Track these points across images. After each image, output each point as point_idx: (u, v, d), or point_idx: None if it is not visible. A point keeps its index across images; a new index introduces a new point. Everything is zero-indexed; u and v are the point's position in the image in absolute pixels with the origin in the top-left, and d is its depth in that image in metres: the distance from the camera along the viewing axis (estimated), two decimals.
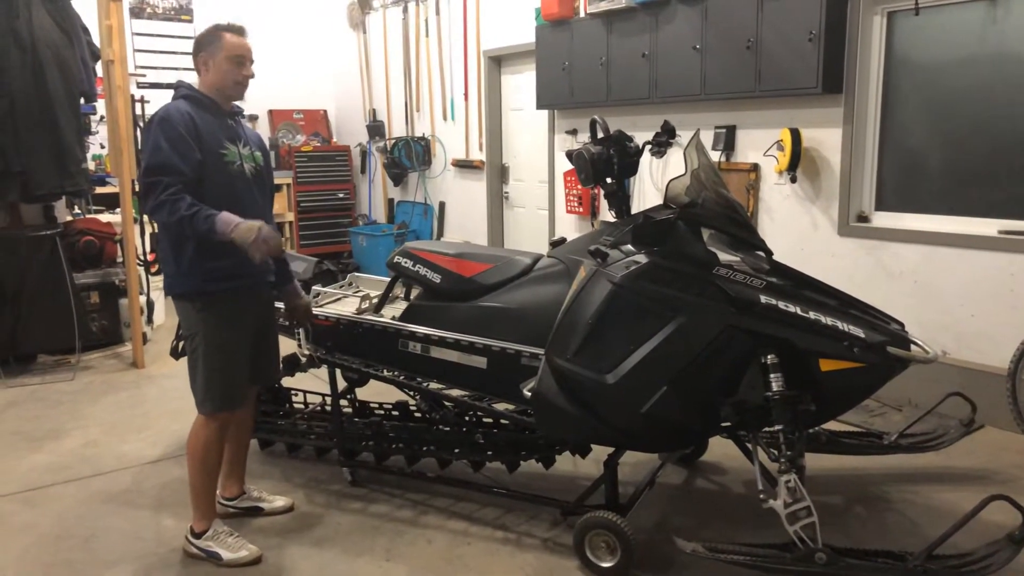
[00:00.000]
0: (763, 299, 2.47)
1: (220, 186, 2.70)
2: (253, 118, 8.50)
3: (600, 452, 3.08)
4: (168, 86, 7.85)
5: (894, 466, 3.32)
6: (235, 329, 2.77)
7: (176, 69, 7.95)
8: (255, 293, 2.86)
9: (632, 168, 2.79)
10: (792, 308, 2.47)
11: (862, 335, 2.46)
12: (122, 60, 5.05)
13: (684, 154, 2.71)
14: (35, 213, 5.24)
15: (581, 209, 5.80)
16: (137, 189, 2.72)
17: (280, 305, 3.12)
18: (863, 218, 4.24)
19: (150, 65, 7.75)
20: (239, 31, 2.81)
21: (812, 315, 2.47)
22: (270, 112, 8.60)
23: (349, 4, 8.32)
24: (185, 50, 7.96)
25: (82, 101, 5.12)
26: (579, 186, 5.76)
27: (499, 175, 6.91)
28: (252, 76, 2.84)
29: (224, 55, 2.75)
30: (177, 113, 2.67)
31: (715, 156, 4.66)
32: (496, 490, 3.08)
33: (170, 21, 7.92)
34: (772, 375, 2.44)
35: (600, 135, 2.84)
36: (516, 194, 6.83)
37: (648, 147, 2.81)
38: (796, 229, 4.45)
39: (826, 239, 4.33)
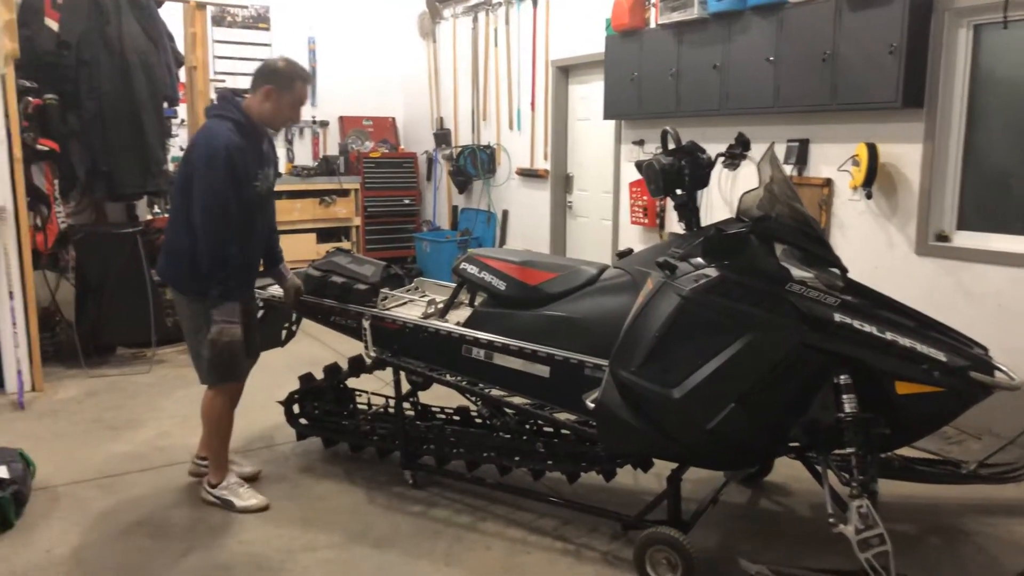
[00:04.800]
0: (838, 317, 2.41)
1: (245, 207, 3.00)
2: (324, 124, 8.72)
3: (662, 466, 3.05)
4: (246, 92, 8.16)
5: (971, 497, 3.18)
6: (237, 318, 3.04)
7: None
8: (248, 284, 3.25)
9: (704, 180, 2.75)
10: (868, 328, 2.40)
11: (943, 358, 2.37)
12: (204, 66, 5.24)
13: (758, 167, 2.67)
14: (119, 211, 5.48)
15: (646, 220, 5.75)
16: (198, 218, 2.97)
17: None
18: (943, 237, 4.09)
19: (229, 71, 8.02)
20: (308, 79, 3.15)
21: (889, 335, 2.40)
22: (340, 118, 8.79)
23: (420, 14, 8.45)
24: (263, 57, 8.25)
25: (165, 105, 5.34)
26: (645, 197, 5.72)
27: (563, 185, 6.91)
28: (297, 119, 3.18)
29: (290, 100, 3.04)
30: (237, 151, 2.91)
31: (787, 170, 4.56)
32: (556, 500, 3.07)
33: (248, 29, 8.18)
34: (845, 396, 2.37)
35: (671, 146, 2.81)
36: (579, 204, 6.82)
37: (721, 159, 2.77)
38: (870, 247, 4.32)
39: (902, 258, 4.19)
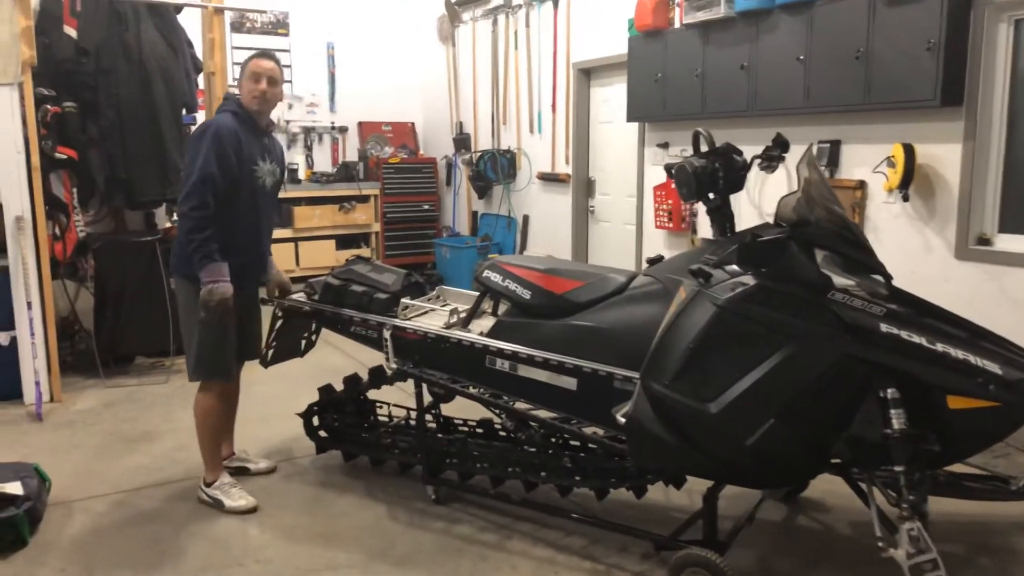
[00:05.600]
0: (884, 327, 2.27)
1: (246, 196, 3.15)
2: (343, 130, 8.68)
3: (694, 482, 2.92)
4: None
5: (1021, 514, 3.02)
6: (226, 276, 3.06)
7: None
8: (244, 276, 3.22)
9: (739, 183, 2.63)
10: (917, 339, 2.27)
11: (999, 371, 2.23)
12: (222, 72, 5.19)
13: (796, 169, 2.54)
14: (138, 220, 5.45)
15: (671, 224, 5.62)
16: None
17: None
18: (984, 240, 3.92)
19: None
20: (263, 54, 3.24)
21: (940, 347, 2.26)
22: (360, 124, 8.75)
23: (439, 17, 8.39)
24: (282, 63, 8.21)
25: (184, 112, 5.29)
26: (670, 201, 5.59)
27: (585, 189, 6.79)
28: (266, 91, 3.17)
29: (246, 75, 3.18)
30: (227, 130, 3.08)
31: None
32: (584, 518, 2.95)
33: (268, 35, 8.15)
34: (893, 411, 2.24)
35: (704, 148, 2.70)
36: (602, 208, 6.70)
37: (757, 162, 2.65)
38: (907, 251, 4.16)
39: (941, 262, 4.03)
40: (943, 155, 3.98)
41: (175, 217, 5.85)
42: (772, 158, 2.60)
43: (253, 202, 3.20)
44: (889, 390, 2.25)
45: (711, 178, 2.59)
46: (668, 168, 2.85)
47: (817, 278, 2.36)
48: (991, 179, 3.89)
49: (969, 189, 3.89)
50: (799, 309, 2.31)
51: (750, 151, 2.75)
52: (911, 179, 3.99)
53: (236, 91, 3.26)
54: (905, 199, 4.06)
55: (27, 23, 4.29)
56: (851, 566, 2.73)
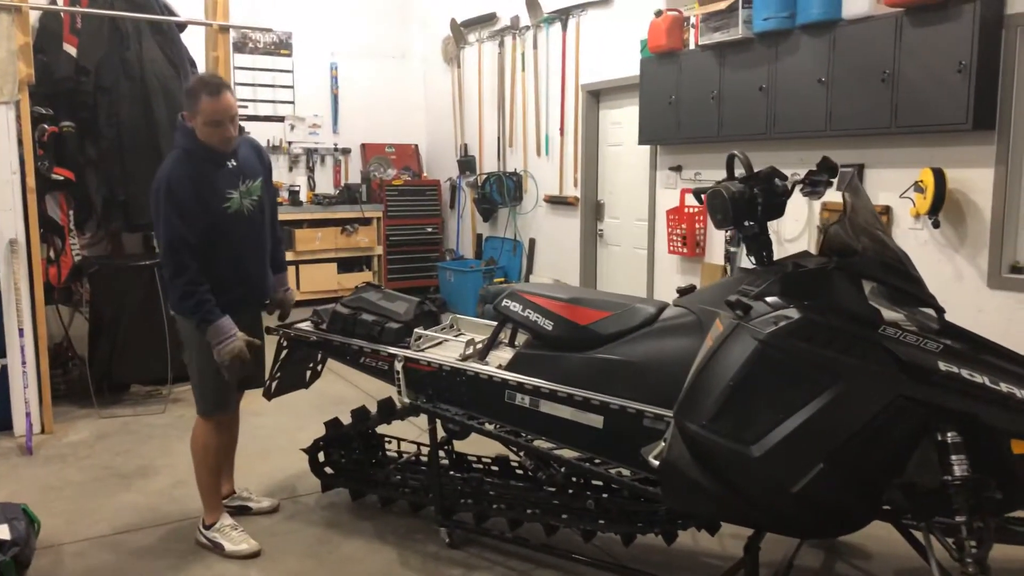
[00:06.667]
0: (943, 366, 2.11)
1: (227, 232, 2.93)
2: (346, 151, 8.55)
3: (727, 527, 2.75)
4: (267, 118, 8.03)
5: None
6: (231, 332, 2.93)
7: (274, 102, 8.07)
8: (244, 308, 3.08)
9: (779, 210, 2.47)
10: (979, 378, 2.10)
11: None
12: None
13: (843, 195, 2.39)
14: (135, 243, 5.29)
15: (685, 250, 5.47)
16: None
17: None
18: (1018, 269, 3.78)
19: (250, 99, 7.88)
20: (215, 90, 2.83)
21: (1004, 387, 2.10)
22: (363, 146, 8.62)
23: (444, 39, 8.30)
24: (284, 83, 8.11)
25: None
26: (683, 225, 5.45)
27: (594, 212, 6.65)
28: (233, 136, 2.90)
29: (202, 120, 2.83)
30: (180, 184, 2.82)
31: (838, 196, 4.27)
32: (611, 565, 2.76)
33: (270, 55, 8.05)
34: (954, 456, 2.07)
35: (738, 172, 2.54)
36: (611, 232, 6.55)
37: (799, 187, 2.50)
38: (936, 280, 3.97)
39: (973, 292, 3.88)
40: (974, 180, 3.84)
41: None
42: (817, 183, 2.44)
43: (237, 234, 2.98)
44: (949, 434, 2.09)
45: (749, 204, 2.43)
46: (698, 193, 2.69)
47: (866, 311, 2.20)
48: None
49: (1002, 215, 3.75)
50: (849, 345, 2.15)
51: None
52: (941, 205, 3.85)
53: (187, 121, 2.89)
54: (936, 226, 3.91)
55: (25, 40, 4.15)
56: None
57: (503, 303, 2.94)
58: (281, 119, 8.15)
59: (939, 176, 3.83)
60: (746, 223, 2.50)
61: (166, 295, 4.98)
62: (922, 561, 2.35)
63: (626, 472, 2.64)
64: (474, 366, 2.91)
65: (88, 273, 4.83)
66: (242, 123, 3.18)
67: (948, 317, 2.30)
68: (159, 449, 4.09)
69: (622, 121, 6.20)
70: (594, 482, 2.85)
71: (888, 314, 2.25)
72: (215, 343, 2.86)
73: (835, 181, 2.44)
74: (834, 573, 2.86)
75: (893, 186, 4.14)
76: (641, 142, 5.69)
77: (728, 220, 2.48)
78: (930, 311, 2.33)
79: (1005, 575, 2.75)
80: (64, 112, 4.62)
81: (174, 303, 2.97)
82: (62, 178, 4.54)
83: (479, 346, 3.06)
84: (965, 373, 2.10)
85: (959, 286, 3.93)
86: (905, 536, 2.46)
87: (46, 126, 4.44)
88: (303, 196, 8.09)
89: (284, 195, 7.85)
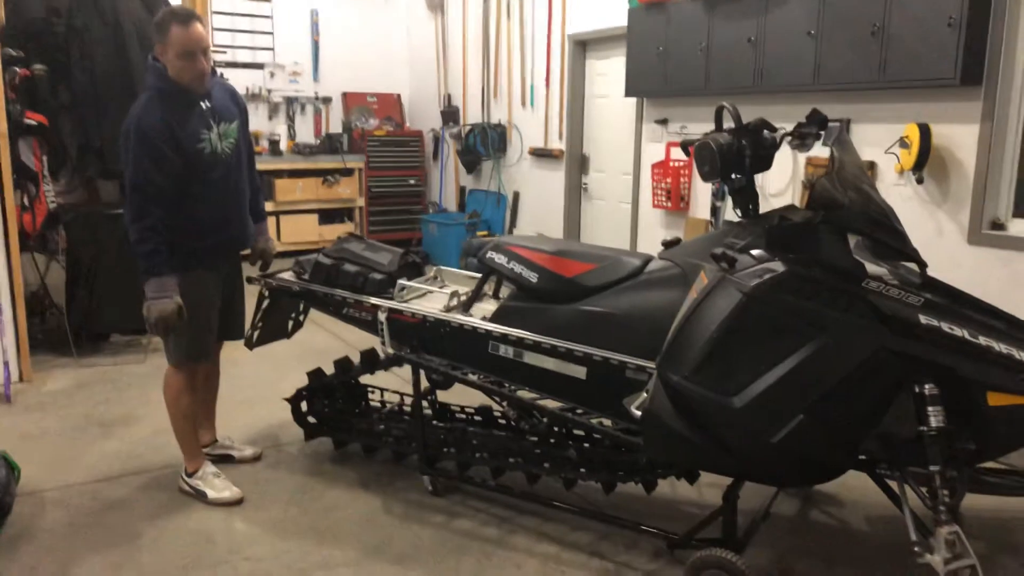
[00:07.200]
0: (924, 319, 2.13)
1: (201, 175, 2.85)
2: (327, 100, 8.39)
3: (705, 475, 2.80)
4: (246, 65, 7.84)
5: None
6: (206, 287, 2.95)
7: (253, 49, 7.87)
8: (225, 254, 3.05)
9: (766, 162, 2.46)
10: (959, 331, 2.13)
11: None
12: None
13: (831, 149, 2.38)
14: (112, 190, 5.18)
15: (669, 204, 5.45)
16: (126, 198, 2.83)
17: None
18: (998, 225, 3.80)
19: (228, 44, 7.68)
20: (185, 19, 2.74)
21: (983, 340, 2.13)
22: (344, 95, 8.46)
23: None
24: (263, 29, 7.90)
25: None
26: (668, 179, 5.43)
27: (579, 165, 6.60)
28: (206, 69, 2.80)
29: (173, 52, 2.74)
30: (151, 125, 2.72)
31: (824, 151, 4.27)
32: (593, 513, 2.81)
33: (249, 0, 7.82)
34: (931, 408, 2.11)
35: (727, 125, 2.52)
36: (596, 186, 6.52)
37: (788, 140, 2.48)
38: (918, 235, 3.94)
39: (953, 247, 3.91)
40: (959, 136, 3.84)
41: None
42: (805, 135, 2.43)
43: (214, 177, 2.89)
44: (927, 386, 2.12)
45: (737, 157, 2.41)
46: (686, 145, 2.67)
47: (851, 265, 2.21)
48: (1007, 162, 3.76)
49: (985, 172, 3.76)
50: (833, 298, 2.16)
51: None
52: (926, 161, 3.85)
53: (157, 60, 2.79)
54: (920, 181, 3.92)
55: None
56: (870, 565, 2.62)
57: (488, 255, 2.92)
58: (261, 66, 7.97)
59: (925, 132, 3.83)
60: (733, 176, 2.49)
61: None
62: (895, 509, 2.40)
63: (608, 422, 2.67)
64: (459, 317, 2.91)
65: (64, 221, 4.74)
66: (221, 70, 3.09)
67: (930, 272, 2.32)
68: (139, 398, 4.07)
69: (608, 72, 6.12)
70: (576, 432, 2.89)
71: (872, 268, 2.26)
72: (150, 296, 2.76)
73: (823, 134, 2.42)
74: (809, 521, 2.93)
75: (879, 141, 4.13)
76: (628, 94, 5.62)
77: (716, 172, 2.46)
78: (913, 265, 2.34)
79: (975, 523, 2.83)
80: (36, 55, 4.48)
81: (132, 246, 2.85)
82: (35, 123, 4.40)
83: (463, 298, 3.06)
84: (945, 327, 2.13)
85: (940, 242, 3.96)
86: (880, 485, 2.51)
87: (17, 69, 4.30)
88: (283, 145, 7.95)
89: (264, 144, 7.72)
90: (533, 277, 2.80)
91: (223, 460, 3.29)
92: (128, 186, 2.76)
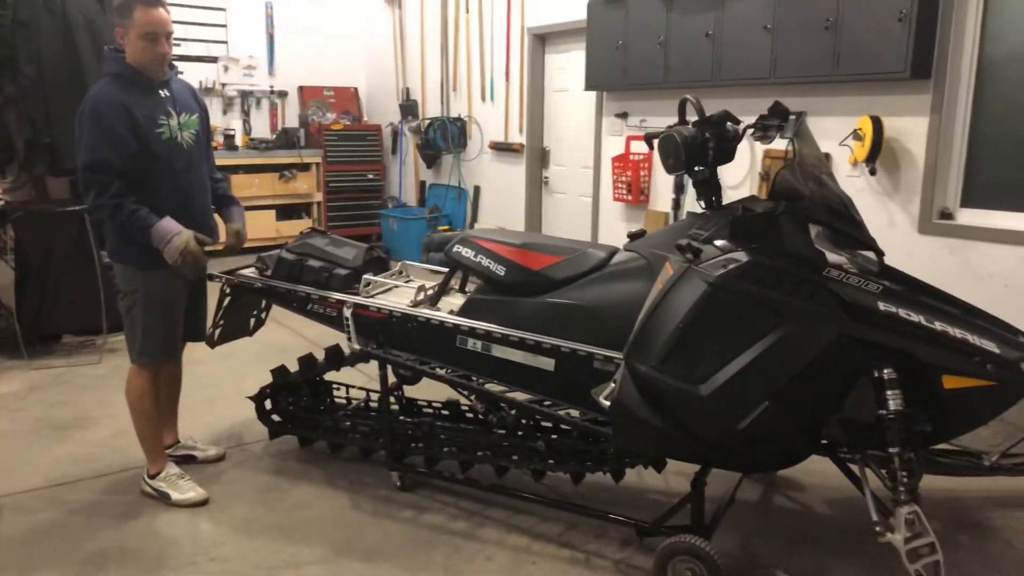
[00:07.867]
0: (882, 306, 2.20)
1: (160, 162, 2.79)
2: (283, 94, 8.27)
3: (673, 465, 2.84)
4: (199, 59, 7.67)
5: (993, 489, 3.04)
6: (174, 287, 2.90)
7: (206, 41, 7.71)
8: None
9: (729, 154, 2.50)
10: (915, 317, 2.20)
11: (996, 351, 2.19)
12: None
13: (791, 141, 2.43)
14: (62, 188, 5.03)
15: (630, 197, 5.51)
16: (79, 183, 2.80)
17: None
18: (947, 215, 3.93)
19: (181, 37, 7.50)
20: (151, 1, 2.71)
21: (939, 326, 2.20)
22: (300, 88, 8.35)
23: None
24: (216, 21, 7.74)
25: None
26: (628, 172, 5.48)
27: (539, 159, 6.62)
28: (168, 53, 2.79)
29: (135, 33, 2.71)
30: (108, 105, 2.68)
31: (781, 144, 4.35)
32: (561, 504, 2.83)
33: None
34: (889, 392, 2.17)
35: (692, 117, 2.55)
36: (556, 179, 6.55)
37: (750, 132, 2.52)
38: (871, 225, 4.04)
39: (904, 237, 4.03)
40: (910, 128, 3.95)
41: None
42: (768, 127, 2.47)
43: (177, 165, 2.85)
44: (886, 370, 2.18)
45: (700, 149, 2.44)
46: (649, 138, 2.70)
47: (812, 254, 2.26)
48: (956, 153, 3.89)
49: (934, 163, 3.89)
50: (795, 287, 2.21)
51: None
52: (878, 152, 3.96)
53: (117, 46, 2.77)
54: (872, 173, 4.03)
55: None
56: (831, 546, 2.69)
57: (455, 249, 2.92)
58: (214, 60, 7.81)
59: (877, 124, 3.93)
60: (697, 168, 2.53)
61: (99, 242, 4.81)
62: (855, 492, 2.47)
63: (576, 413, 2.69)
64: (426, 312, 2.90)
65: (12, 219, 4.59)
66: (174, 62, 3.02)
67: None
68: (96, 400, 3.97)
69: (568, 66, 6.15)
70: (544, 424, 2.91)
71: (832, 257, 2.32)
72: (163, 245, 2.72)
73: (785, 126, 2.47)
74: (773, 505, 2.99)
75: (833, 134, 4.23)
76: (587, 88, 5.66)
77: (680, 165, 2.50)
78: (870, 254, 2.41)
79: (930, 503, 2.92)
80: None
81: (107, 225, 2.84)
82: None
83: (430, 292, 3.04)
84: (903, 313, 2.19)
85: (892, 231, 4.08)
86: (841, 468, 2.58)
87: None
88: (238, 140, 7.82)
89: (219, 139, 7.57)
90: (500, 270, 2.81)
91: (186, 461, 3.23)
92: (82, 168, 2.69)
